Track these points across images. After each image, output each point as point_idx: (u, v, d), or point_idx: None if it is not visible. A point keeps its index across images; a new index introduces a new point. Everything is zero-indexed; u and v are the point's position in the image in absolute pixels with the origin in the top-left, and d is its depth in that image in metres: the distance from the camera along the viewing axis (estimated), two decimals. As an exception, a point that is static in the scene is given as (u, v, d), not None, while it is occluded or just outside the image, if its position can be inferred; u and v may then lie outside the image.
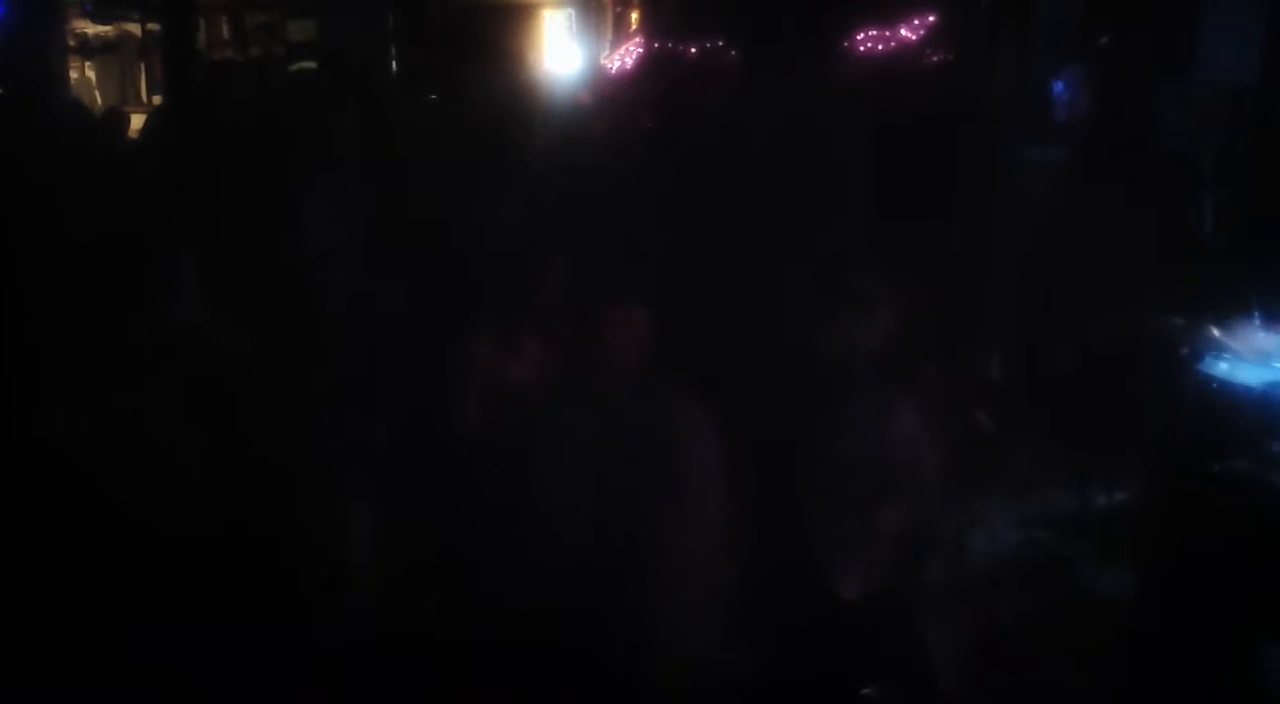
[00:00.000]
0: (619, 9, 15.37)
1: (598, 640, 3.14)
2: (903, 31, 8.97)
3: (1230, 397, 3.72)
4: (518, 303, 3.68)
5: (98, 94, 13.07)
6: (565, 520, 3.17)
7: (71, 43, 12.63)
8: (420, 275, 4.19)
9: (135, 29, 13.14)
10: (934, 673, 3.56)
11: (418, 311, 3.99)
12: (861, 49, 9.15)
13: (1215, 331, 3.92)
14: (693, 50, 10.58)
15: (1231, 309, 3.97)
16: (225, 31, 13.31)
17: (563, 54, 13.96)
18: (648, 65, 10.54)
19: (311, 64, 9.66)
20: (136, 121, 7.93)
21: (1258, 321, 3.93)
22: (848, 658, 3.37)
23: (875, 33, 9.15)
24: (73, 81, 11.96)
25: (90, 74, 13.51)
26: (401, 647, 3.36)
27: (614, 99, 8.44)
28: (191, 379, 3.30)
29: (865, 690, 3.43)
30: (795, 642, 3.34)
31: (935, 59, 8.51)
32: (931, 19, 8.82)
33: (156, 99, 11.73)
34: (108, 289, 3.50)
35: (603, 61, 13.38)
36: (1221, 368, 3.81)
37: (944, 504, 3.90)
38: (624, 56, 12.37)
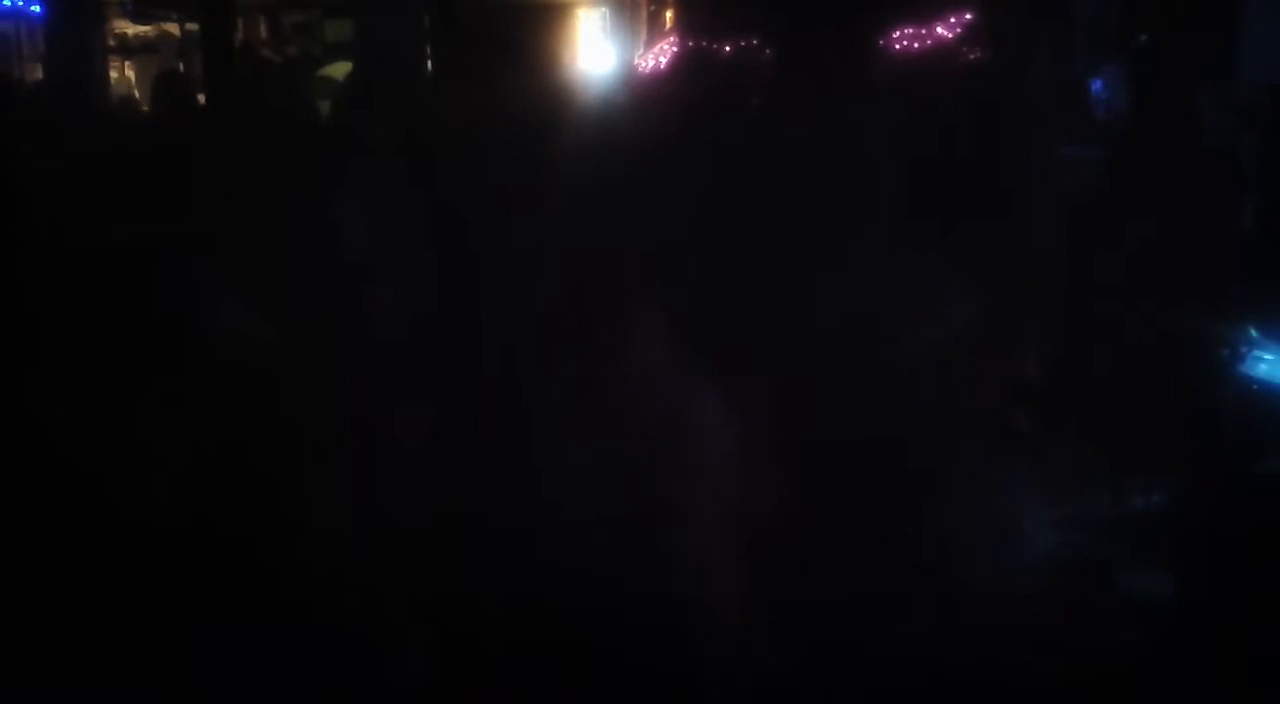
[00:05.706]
0: (653, 8, 15.36)
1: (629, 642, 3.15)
2: (939, 30, 8.92)
3: (1270, 398, 3.69)
4: (556, 302, 3.70)
5: (137, 93, 13.22)
6: (600, 520, 3.18)
7: (111, 43, 12.80)
8: (459, 275, 4.21)
9: (174, 29, 13.29)
10: (966, 671, 3.55)
11: (457, 311, 4.01)
12: (897, 47, 9.10)
13: (1255, 332, 3.89)
14: (727, 49, 10.55)
15: (1272, 309, 3.94)
16: (263, 31, 13.42)
17: (597, 53, 13.99)
18: (682, 64, 10.52)
19: (347, 64, 9.72)
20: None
21: (1299, 322, 3.90)
22: (878, 654, 3.36)
23: (911, 31, 9.10)
24: (113, 81, 12.12)
25: (130, 74, 13.67)
26: (428, 646, 3.37)
27: (648, 98, 8.44)
28: (229, 380, 3.33)
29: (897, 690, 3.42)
30: (828, 640, 3.34)
31: (972, 57, 8.46)
32: (968, 17, 8.77)
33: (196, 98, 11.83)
34: (146, 291, 3.53)
35: (637, 61, 13.38)
36: (1261, 369, 3.78)
37: (978, 504, 3.88)
38: (658, 55, 12.36)
